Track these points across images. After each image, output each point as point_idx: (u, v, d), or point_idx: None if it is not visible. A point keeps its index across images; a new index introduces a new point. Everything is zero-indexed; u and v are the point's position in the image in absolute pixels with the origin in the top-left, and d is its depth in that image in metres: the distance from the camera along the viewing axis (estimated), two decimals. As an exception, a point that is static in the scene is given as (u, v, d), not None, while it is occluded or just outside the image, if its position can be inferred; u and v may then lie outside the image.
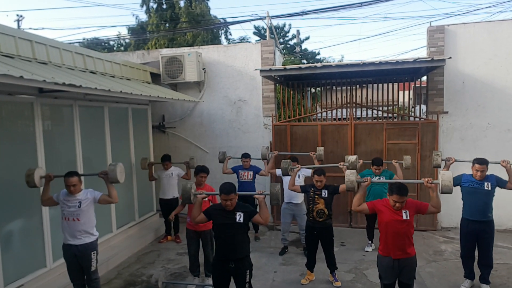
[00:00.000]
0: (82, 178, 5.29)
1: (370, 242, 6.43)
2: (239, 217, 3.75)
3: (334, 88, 8.67)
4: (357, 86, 8.34)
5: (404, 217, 3.82)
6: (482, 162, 4.89)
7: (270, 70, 6.91)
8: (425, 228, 7.35)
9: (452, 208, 7.16)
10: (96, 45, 18.42)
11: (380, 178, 6.06)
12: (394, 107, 8.98)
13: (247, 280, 3.83)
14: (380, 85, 8.04)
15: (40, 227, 4.85)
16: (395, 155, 7.41)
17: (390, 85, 7.98)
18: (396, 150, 7.43)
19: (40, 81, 3.56)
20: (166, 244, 6.87)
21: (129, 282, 5.29)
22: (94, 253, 4.21)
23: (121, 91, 4.84)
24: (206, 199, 5.09)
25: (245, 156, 6.94)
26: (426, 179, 3.91)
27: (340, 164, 5.35)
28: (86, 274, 4.22)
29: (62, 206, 4.14)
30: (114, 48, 19.71)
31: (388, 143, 7.46)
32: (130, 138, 6.99)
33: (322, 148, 6.43)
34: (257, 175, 7.00)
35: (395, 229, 3.82)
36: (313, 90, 10.66)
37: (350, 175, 4.06)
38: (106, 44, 19.85)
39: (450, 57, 6.52)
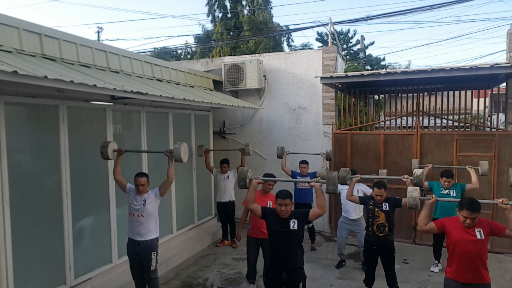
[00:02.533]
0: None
1: (436, 261, 5.97)
2: (293, 224, 3.69)
3: (399, 95, 8.24)
4: (425, 93, 7.83)
5: (478, 237, 3.47)
6: None
7: (331, 77, 6.76)
8: (502, 251, 6.65)
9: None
10: (165, 54, 19.52)
11: (449, 192, 5.62)
12: (467, 116, 8.31)
13: None
14: (451, 92, 7.48)
15: (108, 225, 5.20)
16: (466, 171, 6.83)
17: (463, 92, 7.38)
18: (469, 163, 6.79)
19: (111, 89, 3.82)
20: (223, 248, 6.99)
21: (186, 284, 5.45)
22: (154, 253, 4.41)
23: (184, 98, 5.04)
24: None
25: (303, 162, 6.85)
26: (501, 200, 3.52)
27: (404, 177, 5.04)
28: (146, 273, 4.44)
29: (130, 201, 4.45)
30: (181, 57, 20.72)
31: (459, 155, 6.90)
32: (192, 143, 7.24)
33: (385, 170, 6.09)
34: None
35: (466, 249, 3.48)
36: (376, 98, 10.25)
37: (413, 192, 3.80)
38: (174, 53, 20.94)
39: (535, 62, 5.88)
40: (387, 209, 4.82)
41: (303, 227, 3.82)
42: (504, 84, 7.08)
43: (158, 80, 6.24)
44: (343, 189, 5.84)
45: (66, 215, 4.52)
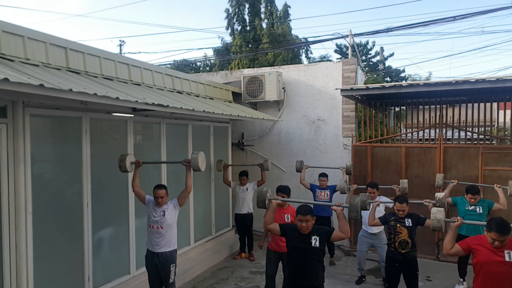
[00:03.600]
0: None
1: (461, 279, 5.74)
2: (315, 241, 3.62)
3: (420, 107, 8.07)
4: (448, 105, 7.64)
5: (507, 259, 3.31)
6: None
7: (352, 89, 6.69)
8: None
9: None
10: (185, 66, 19.82)
11: (476, 209, 5.42)
12: (492, 128, 8.05)
13: None
14: (475, 104, 7.26)
15: (126, 236, 5.23)
16: (493, 183, 6.59)
17: (488, 104, 7.16)
18: (495, 178, 6.59)
19: (133, 102, 3.88)
20: (240, 261, 6.92)
21: (203, 297, 5.41)
22: (173, 266, 4.40)
23: (204, 110, 5.07)
24: (288, 220, 5.01)
25: (323, 175, 6.76)
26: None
27: (426, 202, 4.88)
28: (165, 285, 4.42)
29: (149, 213, 4.46)
30: (201, 69, 21.00)
31: (484, 169, 6.67)
32: (211, 154, 7.26)
33: (406, 181, 5.95)
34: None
35: (494, 271, 3.33)
36: (397, 109, 10.08)
37: (437, 213, 3.71)
38: (193, 65, 21.25)
39: None
40: (410, 225, 4.67)
41: (324, 245, 3.74)
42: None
43: (178, 92, 6.32)
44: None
45: (86, 225, 4.57)
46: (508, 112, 10.88)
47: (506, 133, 8.53)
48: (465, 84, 5.83)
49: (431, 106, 7.65)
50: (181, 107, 4.60)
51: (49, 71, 3.99)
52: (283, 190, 4.99)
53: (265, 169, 7.14)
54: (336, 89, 7.03)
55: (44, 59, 4.11)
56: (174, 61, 19.61)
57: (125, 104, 3.88)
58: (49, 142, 4.34)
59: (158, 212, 4.41)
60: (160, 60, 37.60)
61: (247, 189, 7.09)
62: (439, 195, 4.66)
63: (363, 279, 5.97)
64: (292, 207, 5.13)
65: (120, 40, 21.81)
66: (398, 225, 4.72)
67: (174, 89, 6.25)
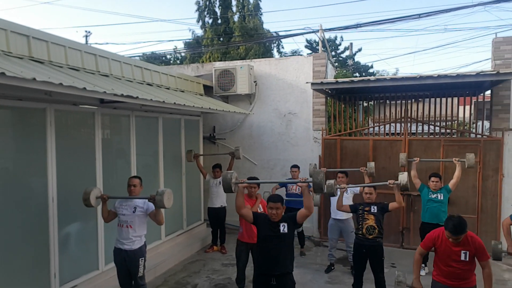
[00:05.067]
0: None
1: (423, 265, 6.02)
2: (283, 227, 3.70)
3: (387, 102, 8.35)
4: (413, 100, 7.95)
5: (462, 258, 3.52)
6: None
7: (322, 83, 6.82)
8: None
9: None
10: (154, 59, 19.41)
11: (437, 196, 5.69)
12: (453, 122, 8.44)
13: None
14: (438, 99, 7.59)
15: (95, 231, 5.11)
16: (453, 174, 6.92)
17: (449, 99, 7.50)
18: (454, 169, 6.91)
19: (101, 92, 3.79)
20: (212, 254, 6.93)
21: (174, 290, 5.39)
22: (142, 259, 4.34)
23: (174, 103, 5.01)
24: (261, 210, 5.07)
25: (294, 166, 6.88)
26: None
27: (390, 183, 5.08)
28: (134, 280, 4.36)
29: (118, 210, 4.35)
30: (171, 62, 20.65)
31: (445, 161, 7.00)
32: (182, 148, 7.20)
33: (373, 163, 6.19)
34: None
35: (451, 264, 3.55)
36: (365, 104, 10.36)
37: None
38: (163, 58, 20.86)
39: (519, 70, 6.02)
40: (375, 211, 4.87)
41: (293, 231, 3.82)
42: (488, 91, 7.24)
43: (148, 84, 6.21)
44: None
45: (52, 220, 4.42)
46: (467, 107, 11.43)
47: (465, 127, 8.97)
48: (429, 79, 6.08)
49: (397, 102, 7.94)
50: (151, 99, 4.53)
51: (11, 60, 3.82)
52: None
53: (236, 157, 7.13)
54: (307, 82, 7.13)
55: (4, 47, 3.93)
56: (143, 54, 19.15)
57: (92, 95, 3.78)
58: (11, 135, 4.15)
59: (129, 208, 4.28)
60: (129, 52, 36.62)
61: (220, 182, 7.04)
62: (402, 179, 4.82)
63: (332, 268, 6.15)
64: (264, 200, 5.21)
65: (86, 31, 21.00)
66: (365, 212, 4.90)
67: (144, 81, 6.14)
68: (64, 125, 4.68)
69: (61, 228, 4.58)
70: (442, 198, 5.68)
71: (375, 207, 4.91)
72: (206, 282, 5.45)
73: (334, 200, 5.95)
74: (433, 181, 5.72)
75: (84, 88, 3.57)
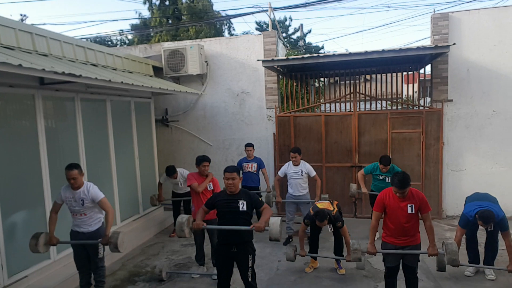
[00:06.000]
0: (85, 171, 5.34)
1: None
2: (242, 205, 3.72)
3: (338, 82, 8.62)
4: (361, 79, 8.25)
5: (409, 211, 3.80)
6: None
7: (273, 60, 6.86)
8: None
9: (457, 197, 7.12)
10: (99, 43, 18.45)
11: (385, 178, 6.02)
12: (399, 100, 8.89)
13: (250, 265, 3.81)
14: (384, 77, 7.91)
15: (43, 220, 4.84)
16: (400, 144, 7.36)
17: (395, 77, 7.83)
18: (401, 139, 7.37)
19: (39, 70, 3.55)
20: (174, 237, 6.85)
21: (133, 273, 5.30)
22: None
23: (122, 82, 4.82)
24: (210, 189, 5.09)
25: (248, 145, 6.91)
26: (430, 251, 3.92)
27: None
28: (93, 262, 4.24)
29: (67, 203, 4.14)
30: (117, 46, 19.73)
31: (392, 132, 7.39)
32: (133, 132, 6.98)
33: (327, 195, 6.19)
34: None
35: (400, 220, 3.81)
36: (316, 85, 10.60)
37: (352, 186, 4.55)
38: (109, 43, 19.89)
39: (454, 43, 6.44)
40: (333, 230, 5.04)
41: (251, 211, 3.84)
42: (430, 71, 7.66)
43: (93, 65, 5.91)
44: (290, 172, 6.15)
45: (-5, 210, 4.15)
46: (411, 86, 12.06)
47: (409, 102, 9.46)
48: (374, 53, 6.32)
49: (347, 82, 8.17)
50: (96, 78, 4.32)
51: None
52: (206, 159, 5.12)
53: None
54: (258, 60, 7.14)
55: None
56: (87, 38, 18.14)
57: (29, 72, 3.53)
58: None
59: (77, 201, 4.08)
60: (70, 34, 34.35)
61: (180, 182, 6.78)
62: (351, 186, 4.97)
63: (290, 240, 6.34)
64: (214, 178, 5.22)
65: (21, 14, 19.46)
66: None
67: (88, 62, 5.84)
68: (0, 110, 4.36)
69: (6, 218, 4.31)
70: (389, 181, 6.00)
71: (331, 225, 5.00)
72: (166, 263, 5.39)
73: (290, 177, 6.14)
74: (383, 168, 5.97)
75: (20, 65, 3.33)
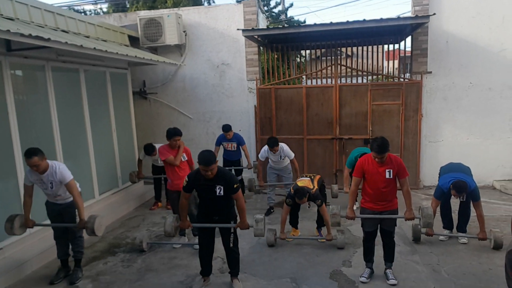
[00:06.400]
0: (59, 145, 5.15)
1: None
2: (219, 190, 3.63)
3: (319, 58, 8.51)
4: (342, 55, 8.12)
5: (387, 176, 3.84)
6: None
7: (253, 29, 6.71)
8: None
9: (434, 168, 7.27)
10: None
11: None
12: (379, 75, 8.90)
13: (232, 231, 3.81)
14: (365, 52, 7.81)
15: (17, 192, 4.68)
16: (380, 116, 7.41)
17: (375, 51, 7.74)
18: (381, 111, 7.41)
19: (4, 31, 3.33)
20: (154, 210, 6.80)
21: (113, 245, 5.24)
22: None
23: (95, 48, 4.60)
24: (184, 159, 5.01)
25: (226, 130, 6.66)
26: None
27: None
28: (70, 232, 4.14)
29: (38, 185, 3.96)
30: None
31: (372, 104, 7.41)
32: (110, 104, 6.76)
33: (336, 186, 6.24)
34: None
35: (378, 185, 3.85)
36: (298, 60, 10.49)
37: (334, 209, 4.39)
38: (82, 14, 19.01)
39: (434, 13, 6.44)
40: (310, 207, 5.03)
41: (229, 194, 3.71)
42: (410, 42, 7.65)
43: (63, 31, 5.61)
44: (270, 156, 6.16)
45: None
46: (391, 62, 12.08)
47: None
48: (356, 23, 6.25)
49: (328, 57, 7.99)
50: (67, 42, 4.09)
51: None
52: (177, 133, 4.92)
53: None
54: (238, 29, 6.96)
55: None
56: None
57: (-7, 34, 3.31)
58: None
59: (44, 183, 3.90)
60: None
61: (159, 160, 6.67)
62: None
63: (272, 210, 6.38)
64: (186, 147, 5.11)
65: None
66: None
67: (58, 28, 5.53)
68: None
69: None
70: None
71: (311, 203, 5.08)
72: (147, 234, 5.34)
73: (271, 159, 6.15)
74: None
75: (-18, 25, 3.11)
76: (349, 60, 8.05)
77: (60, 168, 3.88)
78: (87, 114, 6.08)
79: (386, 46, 8.13)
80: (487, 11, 7.03)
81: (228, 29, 7.80)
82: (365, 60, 7.82)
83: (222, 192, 3.62)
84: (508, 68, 7.09)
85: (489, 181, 7.45)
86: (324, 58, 8.44)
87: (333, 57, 7.72)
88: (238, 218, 3.91)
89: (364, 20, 6.22)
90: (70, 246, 4.25)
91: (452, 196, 4.84)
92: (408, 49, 7.87)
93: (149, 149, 6.47)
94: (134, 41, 7.75)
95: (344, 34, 7.33)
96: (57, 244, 4.23)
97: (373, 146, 3.76)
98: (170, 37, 7.59)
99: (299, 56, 11.01)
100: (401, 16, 6.26)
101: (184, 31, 7.86)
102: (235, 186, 3.66)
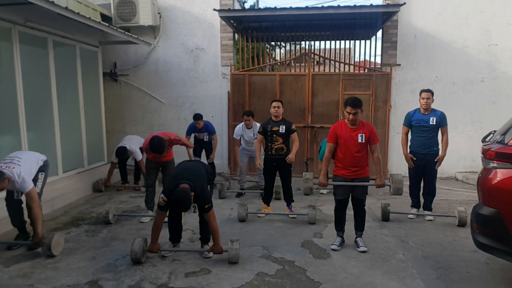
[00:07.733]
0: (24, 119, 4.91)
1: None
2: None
3: (293, 43, 8.62)
4: (315, 46, 8.25)
5: (359, 140, 3.92)
6: (427, 90, 5.11)
7: (229, 10, 6.74)
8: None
9: (401, 158, 7.49)
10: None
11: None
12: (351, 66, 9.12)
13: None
14: (338, 42, 7.99)
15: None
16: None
17: (348, 44, 7.94)
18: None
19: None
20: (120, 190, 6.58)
21: (76, 218, 5.01)
22: (42, 174, 3.91)
23: (67, 8, 4.43)
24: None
25: (196, 118, 6.50)
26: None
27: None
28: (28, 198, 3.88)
29: None
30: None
31: (344, 94, 7.56)
32: (78, 81, 6.53)
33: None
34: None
35: (350, 149, 3.92)
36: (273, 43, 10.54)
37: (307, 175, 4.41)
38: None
39: (405, 3, 6.68)
40: (283, 132, 5.06)
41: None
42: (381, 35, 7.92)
43: None
44: (244, 134, 6.17)
45: None
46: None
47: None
48: (330, 8, 6.42)
49: (302, 43, 8.15)
50: (37, -5, 3.92)
51: None
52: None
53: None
54: (215, 9, 6.93)
55: None
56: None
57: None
58: None
59: (12, 191, 3.81)
60: None
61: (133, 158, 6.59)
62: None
63: (243, 193, 6.33)
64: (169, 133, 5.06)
65: None
66: (274, 135, 5.07)
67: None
68: None
69: None
70: None
71: (283, 127, 5.09)
72: (113, 205, 5.13)
73: (245, 137, 6.15)
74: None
75: None
76: (322, 53, 8.21)
77: (20, 178, 3.62)
78: (54, 88, 5.84)
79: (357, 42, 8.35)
80: (451, 9, 7.40)
81: (204, 13, 7.77)
82: (338, 52, 8.01)
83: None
84: (469, 64, 7.48)
85: (451, 172, 7.76)
86: (299, 48, 8.57)
87: (306, 46, 7.86)
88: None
89: (339, 6, 6.41)
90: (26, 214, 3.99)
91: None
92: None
93: (121, 153, 6.27)
94: (106, 20, 7.49)
95: (317, 25, 7.48)
96: (8, 211, 3.98)
97: (347, 102, 3.88)
98: (144, 18, 7.46)
99: (274, 45, 11.02)
100: (375, 5, 6.46)
101: (158, 13, 7.75)
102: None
